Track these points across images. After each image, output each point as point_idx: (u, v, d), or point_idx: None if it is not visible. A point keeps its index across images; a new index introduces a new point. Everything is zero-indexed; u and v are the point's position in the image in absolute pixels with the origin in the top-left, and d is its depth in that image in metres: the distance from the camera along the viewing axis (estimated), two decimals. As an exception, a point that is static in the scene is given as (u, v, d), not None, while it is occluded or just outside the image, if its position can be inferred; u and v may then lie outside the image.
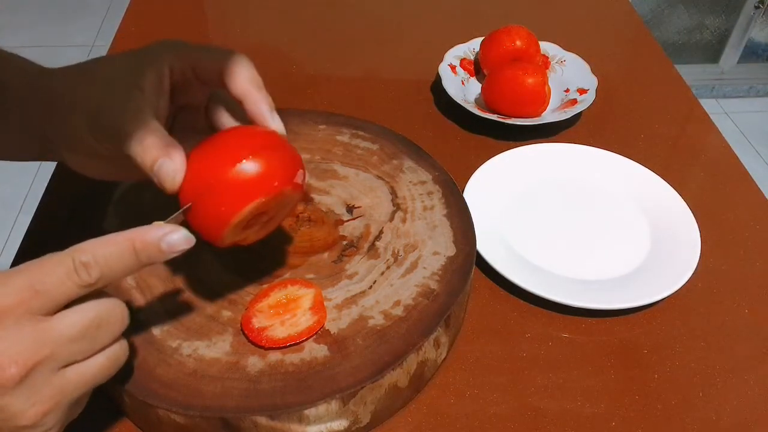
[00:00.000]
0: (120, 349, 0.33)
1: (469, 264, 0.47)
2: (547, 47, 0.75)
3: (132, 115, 0.35)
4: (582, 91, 0.69)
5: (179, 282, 0.45)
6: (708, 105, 1.81)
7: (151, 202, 0.49)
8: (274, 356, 0.41)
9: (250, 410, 0.37)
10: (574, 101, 0.68)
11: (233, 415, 0.37)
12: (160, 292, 0.44)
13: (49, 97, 0.40)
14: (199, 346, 0.41)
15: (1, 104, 0.42)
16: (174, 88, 0.39)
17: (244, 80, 0.38)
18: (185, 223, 0.35)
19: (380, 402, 0.41)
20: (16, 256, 0.50)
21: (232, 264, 0.46)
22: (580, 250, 0.55)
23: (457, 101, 0.67)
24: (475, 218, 0.51)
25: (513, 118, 0.65)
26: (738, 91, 2.17)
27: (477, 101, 0.70)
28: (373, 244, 0.49)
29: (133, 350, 0.40)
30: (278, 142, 0.38)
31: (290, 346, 0.41)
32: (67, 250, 0.31)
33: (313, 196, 0.52)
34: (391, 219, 0.51)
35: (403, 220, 0.50)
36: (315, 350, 0.41)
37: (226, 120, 0.40)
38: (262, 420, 0.38)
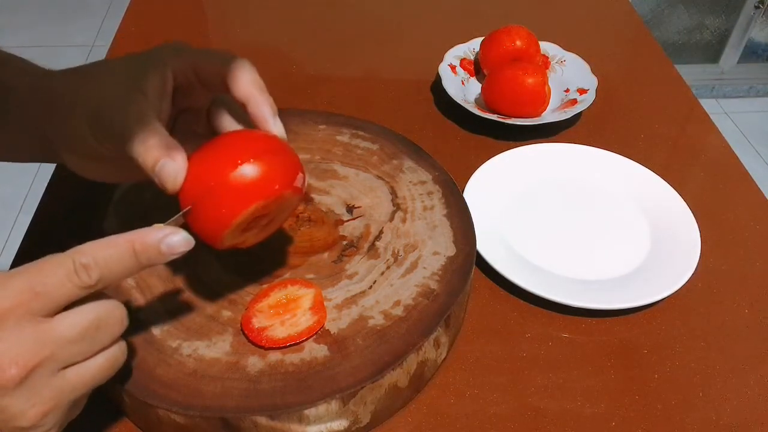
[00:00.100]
0: (119, 351, 0.33)
1: (469, 264, 0.47)
2: (547, 47, 0.75)
3: (134, 116, 0.35)
4: (582, 91, 0.69)
5: (179, 282, 0.45)
6: (708, 105, 1.81)
7: (151, 203, 0.49)
8: (274, 356, 0.41)
9: (250, 410, 0.37)
10: (574, 101, 0.68)
11: (233, 415, 0.37)
12: (160, 292, 0.44)
13: (49, 97, 0.40)
14: (199, 346, 0.41)
15: (1, 105, 0.42)
16: (176, 91, 0.39)
17: (247, 83, 0.38)
18: (185, 226, 0.35)
19: (380, 402, 0.41)
20: (16, 256, 0.50)
21: (232, 264, 0.46)
22: (580, 250, 0.55)
23: (457, 101, 0.67)
24: (475, 218, 0.51)
25: (513, 118, 0.65)
26: (738, 91, 2.17)
27: (477, 101, 0.70)
28: (373, 244, 0.49)
29: (132, 350, 0.40)
30: (279, 146, 0.38)
31: (290, 346, 0.41)
32: (67, 252, 0.31)
33: (313, 196, 0.52)
34: (391, 219, 0.51)
35: (403, 220, 0.50)
36: (315, 350, 0.41)
37: (228, 123, 0.41)
38: (262, 420, 0.38)
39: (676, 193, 0.59)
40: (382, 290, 0.45)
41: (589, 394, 0.45)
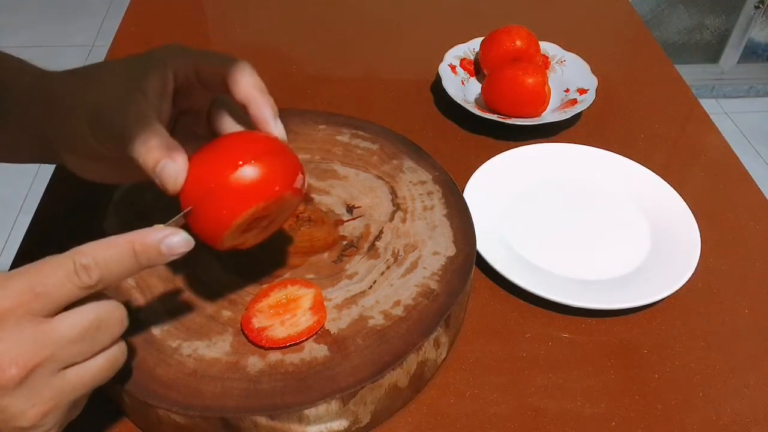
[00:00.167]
0: (119, 351, 0.33)
1: (469, 264, 0.47)
2: (547, 47, 0.75)
3: (134, 116, 0.35)
4: (582, 91, 0.69)
5: (179, 282, 0.45)
6: (708, 105, 1.81)
7: (151, 203, 0.49)
8: (274, 356, 0.41)
9: (250, 410, 0.37)
10: (574, 101, 0.68)
11: (233, 415, 0.37)
12: (160, 292, 0.44)
13: (48, 98, 0.40)
14: (199, 346, 0.41)
15: (1, 106, 0.42)
16: (177, 92, 0.39)
17: (248, 85, 0.38)
18: (185, 226, 0.35)
19: (380, 402, 0.41)
20: (16, 256, 0.50)
21: (232, 264, 0.46)
22: (580, 250, 0.55)
23: (457, 101, 0.67)
24: (475, 218, 0.51)
25: (513, 118, 0.65)
26: (738, 91, 2.17)
27: (477, 101, 0.70)
28: (373, 244, 0.49)
29: (132, 350, 0.40)
30: (279, 148, 0.38)
31: (290, 346, 0.41)
32: (67, 253, 0.31)
33: (313, 196, 0.52)
34: (391, 219, 0.51)
35: (403, 220, 0.50)
36: (315, 350, 0.41)
37: (228, 125, 0.41)
38: (262, 420, 0.38)
39: (676, 193, 0.59)
40: (382, 290, 0.45)
41: (589, 394, 0.45)
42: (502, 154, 0.62)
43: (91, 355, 0.32)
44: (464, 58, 0.74)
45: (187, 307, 0.43)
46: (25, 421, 0.30)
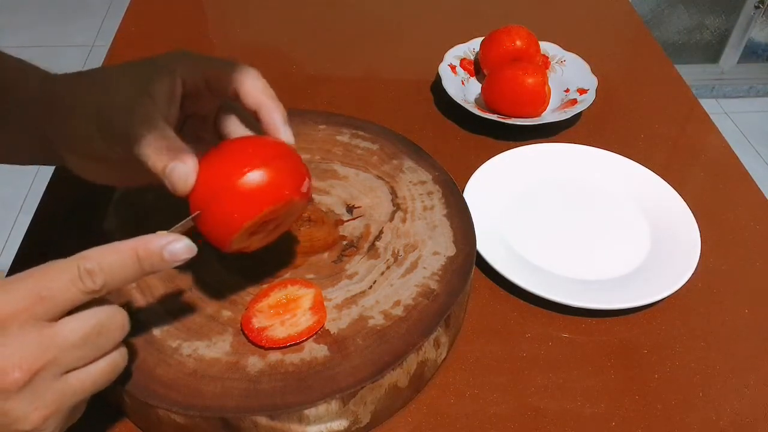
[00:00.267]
0: (119, 356, 0.34)
1: (469, 264, 0.47)
2: (547, 47, 0.75)
3: (142, 119, 0.36)
4: (582, 91, 0.69)
5: (180, 282, 0.45)
6: (708, 105, 1.81)
7: (152, 204, 0.49)
8: (274, 356, 0.41)
9: (250, 410, 0.37)
10: (574, 101, 0.68)
11: (233, 415, 0.37)
12: (161, 292, 0.44)
13: (50, 99, 0.40)
14: (199, 346, 0.41)
15: (2, 107, 0.42)
16: (184, 98, 0.40)
17: (259, 91, 0.39)
18: (194, 228, 0.36)
19: (380, 402, 0.41)
20: (16, 256, 0.50)
21: (232, 264, 0.46)
22: (580, 250, 0.55)
23: (457, 101, 0.67)
24: (475, 218, 0.51)
25: (513, 118, 0.65)
26: (738, 91, 2.17)
27: (477, 101, 0.70)
28: (373, 244, 0.49)
29: (133, 350, 0.40)
30: (287, 152, 0.39)
31: (290, 346, 0.41)
32: (71, 258, 0.31)
33: (313, 196, 0.52)
34: (391, 219, 0.51)
35: (403, 220, 0.50)
36: (315, 350, 0.41)
37: (236, 129, 0.41)
38: (262, 420, 0.38)
39: (676, 193, 0.59)
40: (382, 290, 0.45)
41: (589, 394, 0.45)
42: (502, 154, 0.62)
43: (93, 360, 0.32)
44: (464, 58, 0.74)
45: (187, 307, 0.43)
46: (27, 425, 0.30)
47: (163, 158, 0.35)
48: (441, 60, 0.72)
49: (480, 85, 0.71)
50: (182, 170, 0.36)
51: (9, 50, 0.45)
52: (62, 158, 0.41)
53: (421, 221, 0.50)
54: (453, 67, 0.72)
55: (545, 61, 0.74)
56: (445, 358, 0.46)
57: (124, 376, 0.38)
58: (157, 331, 0.42)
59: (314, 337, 0.42)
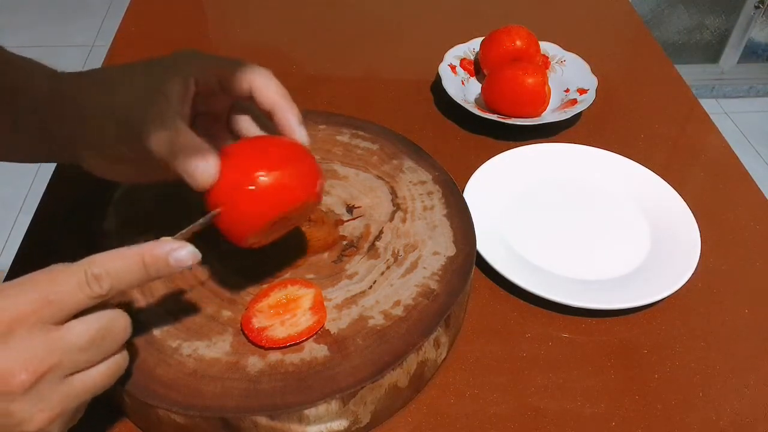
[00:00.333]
0: (121, 358, 0.34)
1: (469, 264, 0.47)
2: (547, 47, 0.75)
3: (161, 118, 0.36)
4: (582, 91, 0.69)
5: (180, 282, 0.45)
6: (708, 105, 1.81)
7: (152, 203, 0.49)
8: (274, 356, 0.41)
9: (250, 410, 0.37)
10: (574, 101, 0.68)
11: (233, 415, 0.37)
12: (161, 292, 0.44)
13: (59, 99, 0.40)
14: (199, 346, 0.41)
15: (12, 106, 0.42)
16: (196, 96, 0.40)
17: (273, 92, 0.40)
18: (211, 224, 0.37)
19: (380, 402, 0.41)
20: (16, 256, 0.50)
21: (232, 264, 0.46)
22: (580, 250, 0.55)
23: (457, 101, 0.67)
24: (475, 218, 0.51)
25: (513, 118, 0.65)
26: (738, 91, 2.17)
27: (477, 101, 0.70)
28: (373, 244, 0.49)
29: (133, 350, 0.40)
30: (304, 153, 0.40)
31: (290, 346, 0.41)
32: (79, 262, 0.32)
33: (314, 196, 0.52)
34: (391, 219, 0.51)
35: (403, 220, 0.50)
36: (315, 350, 0.41)
37: (250, 129, 0.42)
38: (262, 420, 0.38)
39: (676, 193, 0.59)
40: (382, 290, 0.45)
41: (589, 394, 0.45)
42: (502, 154, 0.62)
43: (96, 363, 0.32)
44: (464, 58, 0.74)
45: (187, 308, 0.43)
46: (31, 426, 0.30)
47: (184, 155, 0.36)
48: (441, 60, 0.72)
49: (480, 85, 0.71)
50: (204, 167, 0.36)
51: (9, 50, 0.45)
52: (75, 156, 0.41)
53: (421, 221, 0.50)
54: (453, 67, 0.72)
55: (545, 61, 0.74)
56: (445, 358, 0.46)
57: (124, 376, 0.38)
58: (157, 331, 0.42)
59: (314, 337, 0.42)
